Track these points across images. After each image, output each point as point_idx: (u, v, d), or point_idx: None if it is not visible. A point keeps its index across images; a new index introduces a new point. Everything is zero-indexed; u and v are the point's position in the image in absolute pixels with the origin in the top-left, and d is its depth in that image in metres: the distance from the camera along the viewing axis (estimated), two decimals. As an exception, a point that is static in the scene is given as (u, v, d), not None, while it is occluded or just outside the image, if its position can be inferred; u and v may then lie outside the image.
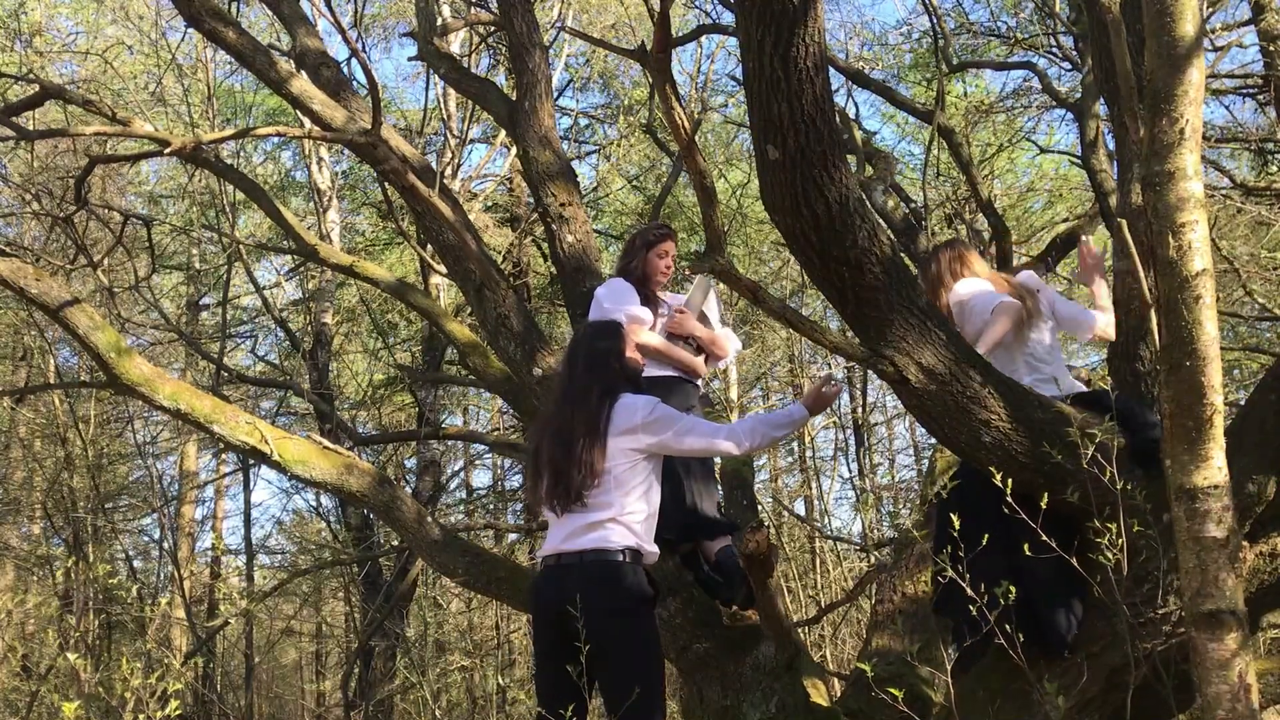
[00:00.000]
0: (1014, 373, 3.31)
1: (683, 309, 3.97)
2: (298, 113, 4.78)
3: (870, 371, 3.10)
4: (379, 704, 9.11)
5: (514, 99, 5.03)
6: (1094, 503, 2.67)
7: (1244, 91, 7.32)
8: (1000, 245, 6.36)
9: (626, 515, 3.03)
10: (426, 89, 10.51)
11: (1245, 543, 2.70)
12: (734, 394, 11.67)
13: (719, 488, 4.04)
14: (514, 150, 8.82)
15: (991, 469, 2.79)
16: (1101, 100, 5.49)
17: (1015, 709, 2.96)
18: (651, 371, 3.93)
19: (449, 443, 11.33)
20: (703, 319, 4.05)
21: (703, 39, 8.76)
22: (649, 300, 3.98)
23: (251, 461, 9.23)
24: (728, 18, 7.23)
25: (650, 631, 3.04)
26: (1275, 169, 7.65)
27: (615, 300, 3.92)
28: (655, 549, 3.12)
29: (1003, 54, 8.46)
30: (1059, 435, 2.79)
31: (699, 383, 4.10)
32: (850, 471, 12.30)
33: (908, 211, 6.87)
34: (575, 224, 4.62)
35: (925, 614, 4.31)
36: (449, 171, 9.88)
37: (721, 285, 3.77)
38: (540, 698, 3.05)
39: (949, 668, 2.85)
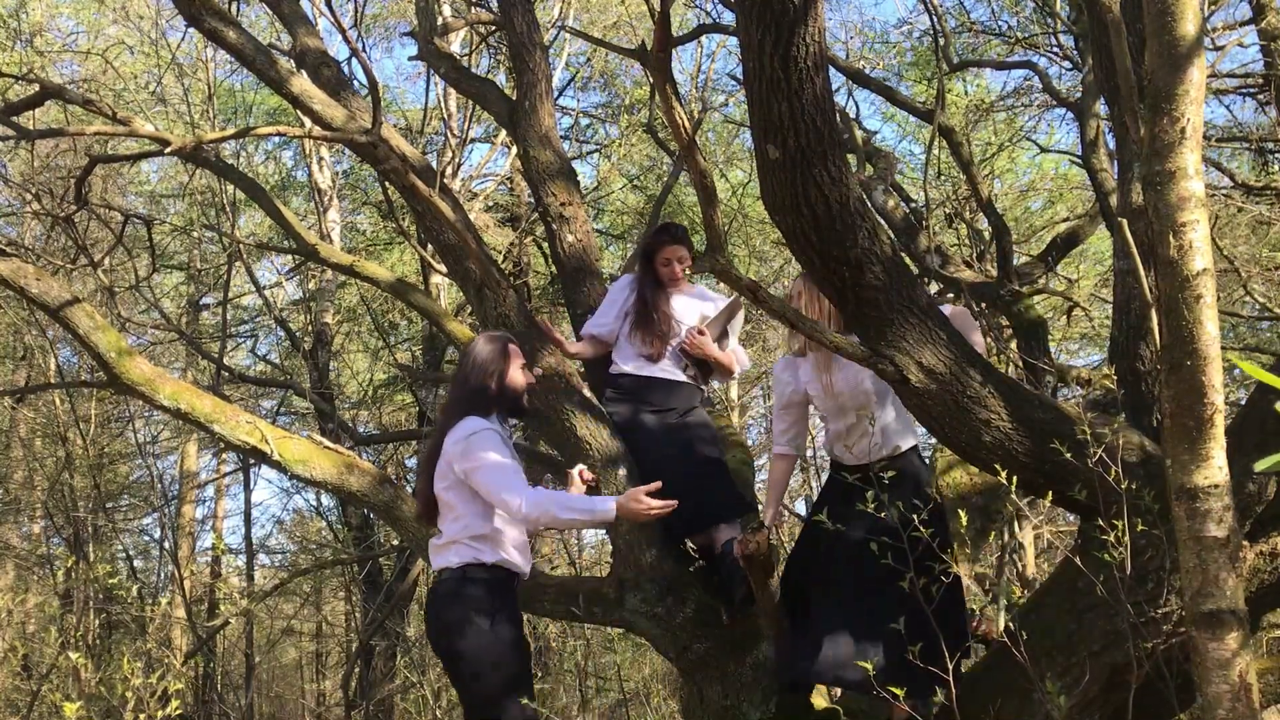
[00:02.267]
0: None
1: (703, 328, 3.97)
2: (298, 112, 4.76)
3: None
4: (379, 704, 9.12)
5: (514, 98, 5.02)
6: (1101, 500, 2.67)
7: (1244, 91, 7.32)
8: (1000, 245, 6.36)
9: (464, 536, 3.14)
10: (427, 89, 10.52)
11: (1245, 542, 2.70)
12: (734, 393, 11.68)
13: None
14: (514, 150, 8.81)
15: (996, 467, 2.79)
16: (1102, 100, 5.49)
17: (1016, 708, 2.96)
18: (650, 374, 3.94)
19: (449, 442, 11.30)
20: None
21: (703, 38, 8.76)
22: (659, 303, 4.03)
23: (252, 461, 9.23)
24: (728, 18, 7.23)
25: (488, 643, 3.04)
26: (1276, 169, 7.65)
27: (600, 311, 4.12)
28: (515, 560, 3.17)
29: (1003, 53, 8.45)
30: (1060, 434, 2.79)
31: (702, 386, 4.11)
32: (850, 471, 12.25)
33: (908, 211, 6.86)
34: (575, 224, 4.61)
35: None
36: (449, 171, 9.86)
37: (722, 285, 3.78)
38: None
39: (949, 667, 2.84)
